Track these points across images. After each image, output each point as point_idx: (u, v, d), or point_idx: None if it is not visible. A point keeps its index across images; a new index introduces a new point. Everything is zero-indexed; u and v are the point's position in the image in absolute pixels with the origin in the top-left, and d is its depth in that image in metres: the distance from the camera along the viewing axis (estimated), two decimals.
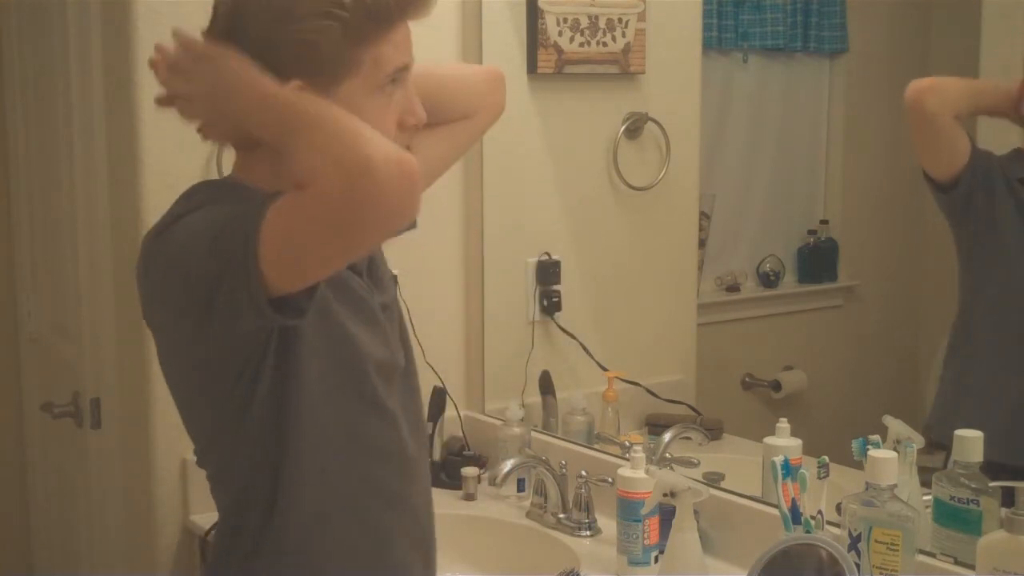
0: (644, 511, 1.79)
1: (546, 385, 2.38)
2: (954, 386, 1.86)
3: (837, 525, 1.59)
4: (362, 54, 1.22)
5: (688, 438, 2.10)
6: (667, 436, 2.07)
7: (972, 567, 1.46)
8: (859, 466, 1.54)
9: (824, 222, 2.36)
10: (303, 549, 1.29)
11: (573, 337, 2.41)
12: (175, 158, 2.05)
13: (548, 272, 2.42)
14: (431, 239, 2.33)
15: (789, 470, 1.58)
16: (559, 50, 2.36)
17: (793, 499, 1.58)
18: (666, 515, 1.75)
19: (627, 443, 2.03)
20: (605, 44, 2.38)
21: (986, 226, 1.77)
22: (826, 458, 1.62)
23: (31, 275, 2.82)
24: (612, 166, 2.43)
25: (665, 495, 1.71)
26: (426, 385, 2.32)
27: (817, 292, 2.38)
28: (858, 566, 1.46)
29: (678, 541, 1.69)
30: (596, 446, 2.21)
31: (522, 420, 2.29)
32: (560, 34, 2.36)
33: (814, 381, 2.32)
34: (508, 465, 2.07)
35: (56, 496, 2.81)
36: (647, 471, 1.80)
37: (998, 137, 1.82)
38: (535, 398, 2.39)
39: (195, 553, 2.11)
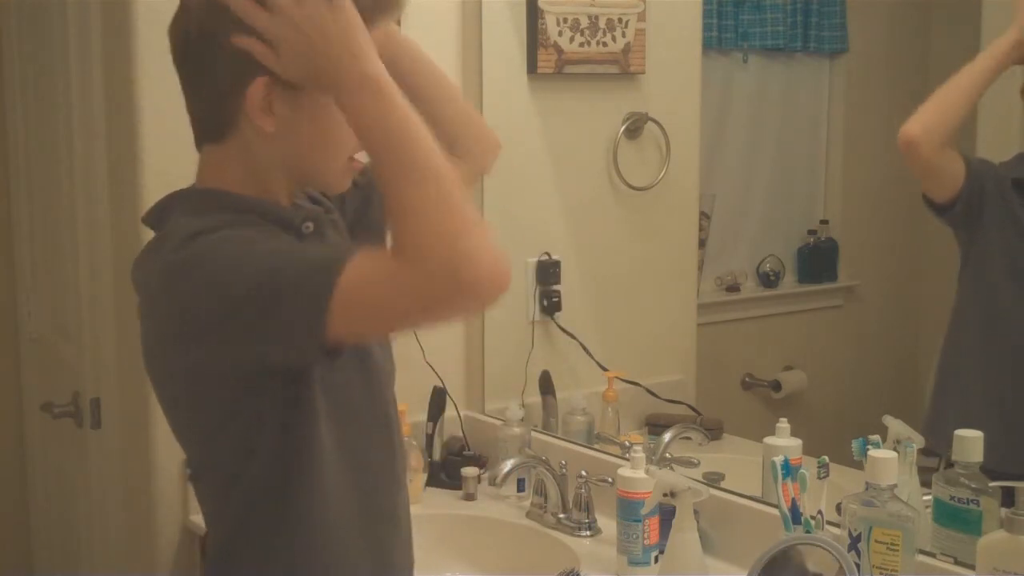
0: (644, 511, 1.79)
1: (546, 385, 2.38)
2: (945, 393, 1.86)
3: (837, 525, 1.59)
4: None
5: (688, 438, 2.10)
6: (667, 436, 2.07)
7: (972, 567, 1.46)
8: (859, 466, 1.54)
9: (824, 222, 2.36)
10: (311, 562, 1.28)
11: (573, 337, 2.41)
12: (175, 158, 2.02)
13: (548, 272, 2.42)
14: None
15: (789, 470, 1.58)
16: (559, 50, 2.36)
17: (793, 499, 1.58)
18: (666, 515, 1.75)
19: (627, 443, 2.03)
20: (605, 44, 2.38)
21: (980, 234, 1.78)
22: (826, 458, 1.62)
23: (31, 275, 2.82)
24: (612, 166, 2.43)
25: (665, 495, 1.71)
26: (426, 385, 2.33)
27: (817, 292, 2.37)
28: (858, 566, 1.46)
29: (678, 541, 1.69)
30: (596, 446, 2.21)
31: (522, 420, 2.29)
32: (560, 34, 2.36)
33: (814, 381, 2.31)
34: (508, 465, 2.07)
35: (56, 496, 2.81)
36: (647, 471, 1.80)
37: (998, 137, 1.83)
38: (535, 398, 2.39)
39: (195, 553, 2.10)
